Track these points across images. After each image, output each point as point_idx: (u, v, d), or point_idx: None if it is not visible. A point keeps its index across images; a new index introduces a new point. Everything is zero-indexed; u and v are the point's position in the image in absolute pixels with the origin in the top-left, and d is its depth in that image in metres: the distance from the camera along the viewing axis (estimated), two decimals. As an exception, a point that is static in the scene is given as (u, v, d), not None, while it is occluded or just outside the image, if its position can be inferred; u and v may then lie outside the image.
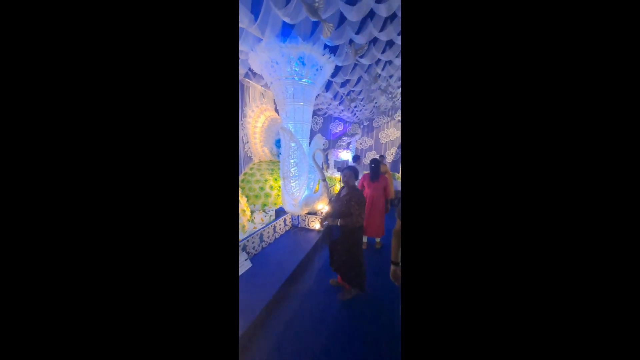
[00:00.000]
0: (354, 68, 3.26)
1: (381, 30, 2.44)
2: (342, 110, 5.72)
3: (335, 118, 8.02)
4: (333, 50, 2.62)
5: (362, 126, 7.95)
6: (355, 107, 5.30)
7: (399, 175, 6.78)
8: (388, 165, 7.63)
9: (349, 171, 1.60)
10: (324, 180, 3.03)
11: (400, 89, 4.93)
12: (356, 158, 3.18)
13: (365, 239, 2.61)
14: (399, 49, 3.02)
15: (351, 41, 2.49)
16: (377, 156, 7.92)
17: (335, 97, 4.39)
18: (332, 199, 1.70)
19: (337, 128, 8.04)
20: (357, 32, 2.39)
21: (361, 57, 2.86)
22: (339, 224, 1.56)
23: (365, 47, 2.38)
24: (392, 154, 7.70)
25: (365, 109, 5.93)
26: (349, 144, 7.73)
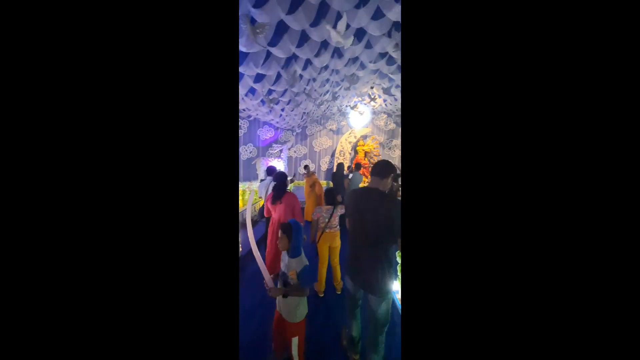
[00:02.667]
0: (267, 59, 2.71)
1: (289, 13, 2.01)
2: (268, 112, 5.10)
3: (264, 123, 7.33)
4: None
5: (294, 133, 7.57)
6: (282, 110, 4.79)
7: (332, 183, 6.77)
8: (322, 175, 7.53)
9: None
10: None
11: (325, 96, 4.81)
12: (271, 170, 2.56)
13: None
14: (317, 46, 2.73)
15: (253, 21, 1.93)
16: (309, 164, 7.67)
17: (252, 93, 3.71)
18: None
19: (267, 134, 7.35)
20: (256, 6, 1.85)
21: (272, 45, 2.34)
22: None
23: (266, 28, 1.86)
24: (325, 162, 7.67)
25: (295, 115, 5.55)
26: (281, 151, 7.14)
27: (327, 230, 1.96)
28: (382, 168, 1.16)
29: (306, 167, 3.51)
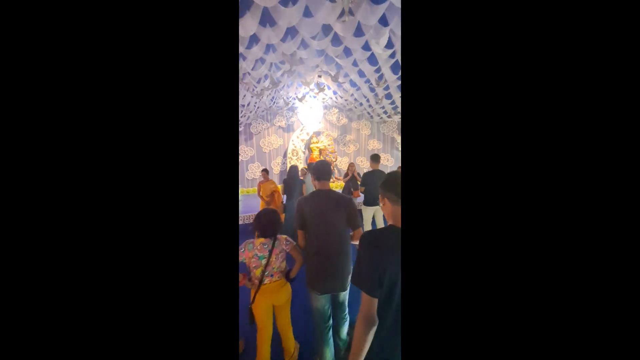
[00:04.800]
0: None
1: None
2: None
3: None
4: None
5: (236, 133, 6.37)
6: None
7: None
8: (275, 179, 6.61)
9: None
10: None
11: (263, 83, 3.96)
12: None
13: None
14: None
15: None
16: (262, 168, 6.61)
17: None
18: None
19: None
20: None
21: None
22: None
23: None
24: (278, 164, 6.79)
25: (230, 109, 4.46)
26: (220, 155, 5.85)
27: (265, 281, 1.17)
28: (323, 169, 1.22)
29: (264, 170, 2.64)
